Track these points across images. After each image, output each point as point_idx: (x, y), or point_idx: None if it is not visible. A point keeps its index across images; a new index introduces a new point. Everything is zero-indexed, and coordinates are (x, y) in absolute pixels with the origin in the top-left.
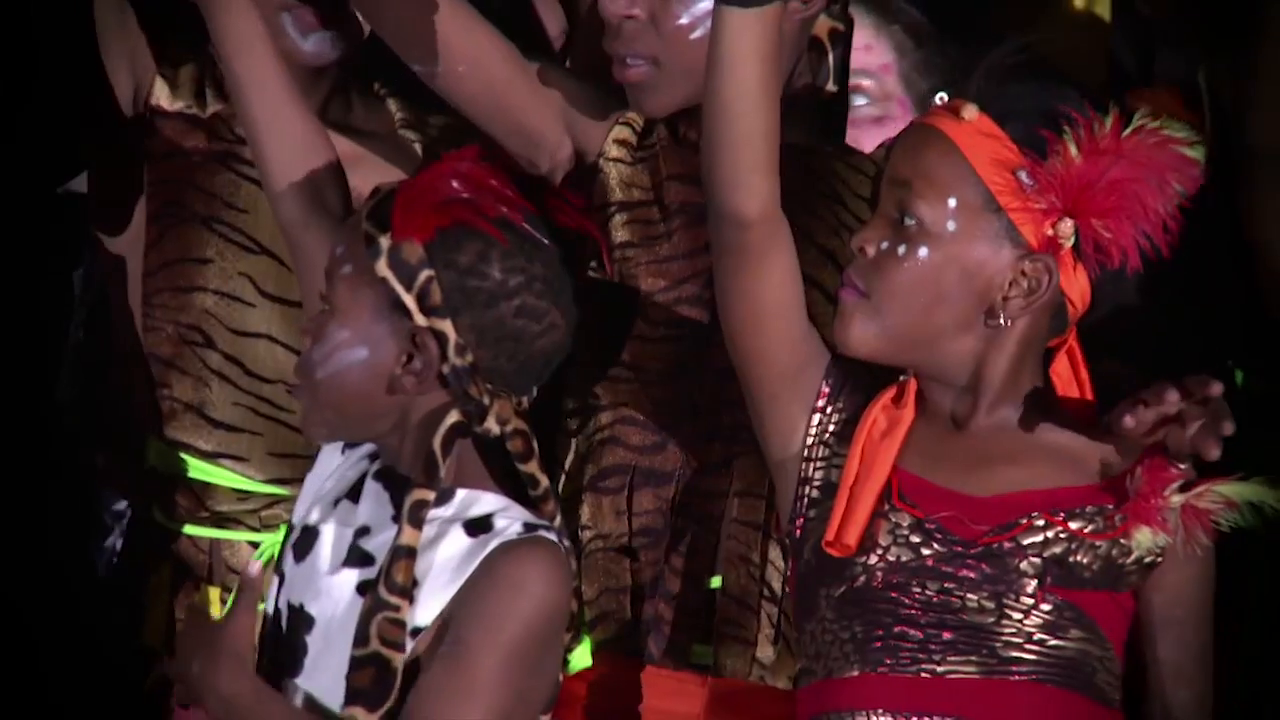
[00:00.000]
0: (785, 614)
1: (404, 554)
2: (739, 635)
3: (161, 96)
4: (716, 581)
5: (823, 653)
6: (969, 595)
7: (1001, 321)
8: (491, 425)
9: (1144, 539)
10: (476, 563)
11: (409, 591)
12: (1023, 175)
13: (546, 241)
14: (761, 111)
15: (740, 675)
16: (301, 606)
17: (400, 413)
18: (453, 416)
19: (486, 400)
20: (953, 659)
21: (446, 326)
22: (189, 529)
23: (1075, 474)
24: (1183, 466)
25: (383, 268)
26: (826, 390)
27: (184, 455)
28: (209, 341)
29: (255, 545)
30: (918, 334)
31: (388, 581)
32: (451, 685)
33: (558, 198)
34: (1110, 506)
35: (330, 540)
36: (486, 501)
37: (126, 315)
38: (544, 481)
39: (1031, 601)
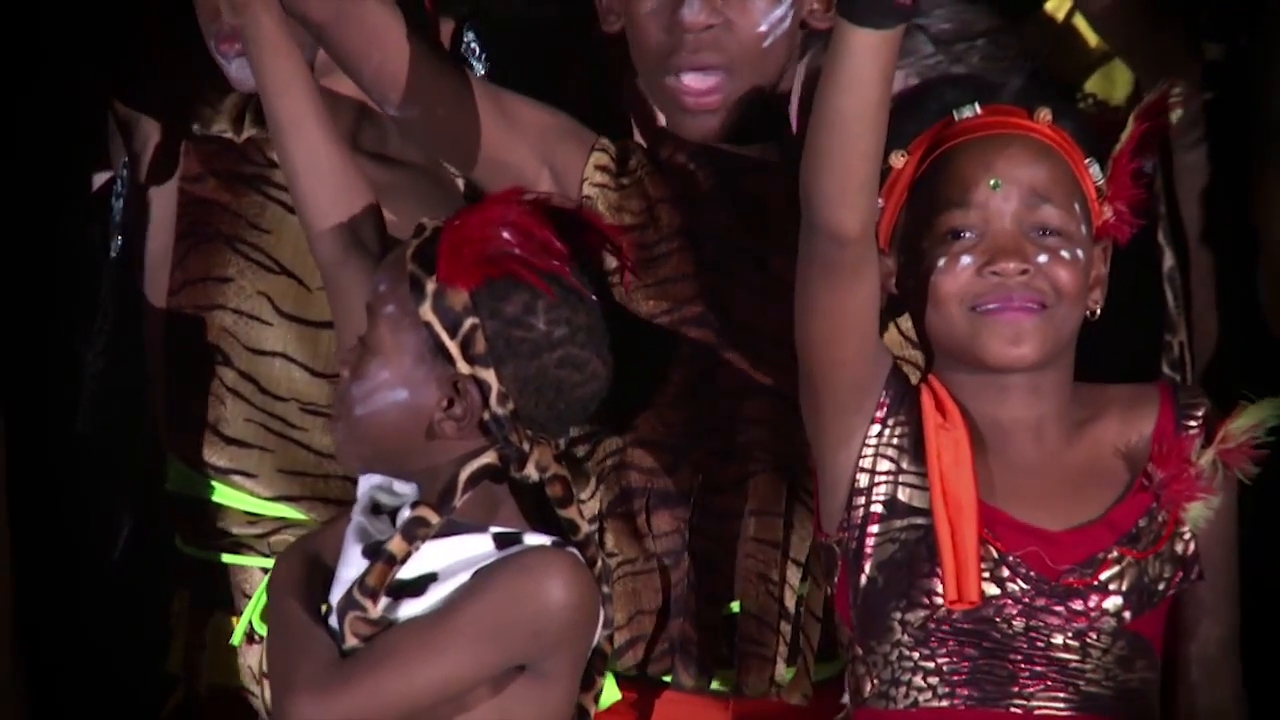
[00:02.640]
0: (802, 633)
1: (385, 558)
2: (759, 653)
3: (197, 121)
4: (735, 606)
5: (902, 680)
6: (1054, 634)
7: (1093, 314)
8: (531, 471)
9: (1197, 513)
10: (494, 559)
11: (378, 594)
12: (1095, 170)
13: (592, 292)
14: (878, 131)
15: (760, 694)
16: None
17: (438, 453)
18: (488, 457)
19: (527, 447)
20: (1042, 695)
21: (489, 375)
22: (203, 554)
23: (1117, 478)
24: (1193, 422)
25: (427, 312)
26: (886, 401)
27: (198, 474)
28: (226, 359)
29: (266, 571)
30: (1070, 338)
31: (361, 583)
32: (420, 630)
33: (583, 221)
34: (1154, 505)
35: (360, 537)
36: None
37: (154, 334)
38: (585, 527)
39: (1112, 639)
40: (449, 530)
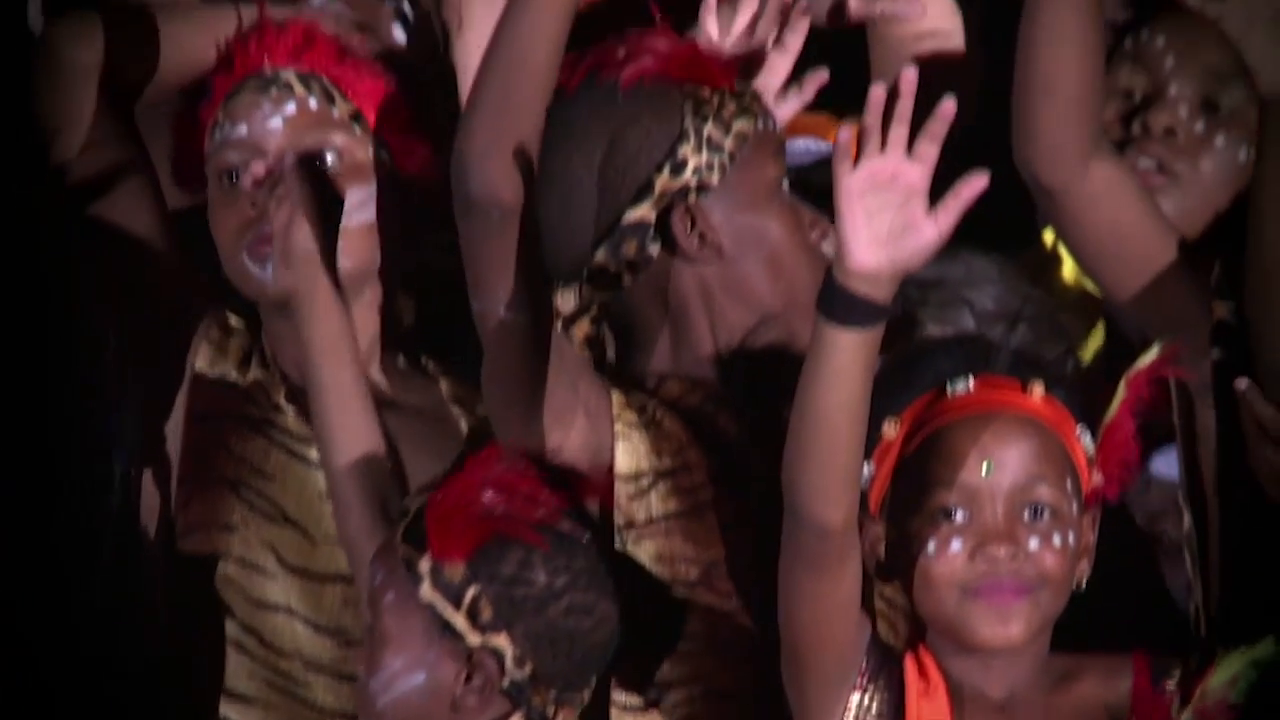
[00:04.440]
0: None
1: None
2: None
3: (203, 361)
4: None
5: None
6: None
7: (1079, 585)
8: None
9: None
10: None
11: None
12: (1087, 439)
13: (586, 533)
14: (860, 423)
15: None
16: None
17: None
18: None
19: (551, 710)
20: None
21: (502, 641)
22: None
23: None
24: (1170, 683)
25: (427, 592)
26: (866, 668)
27: None
28: (229, 610)
29: None
30: (1057, 614)
31: None
32: None
33: (579, 476)
34: None
35: None
36: None
37: (157, 582)
38: None
39: None
40: None
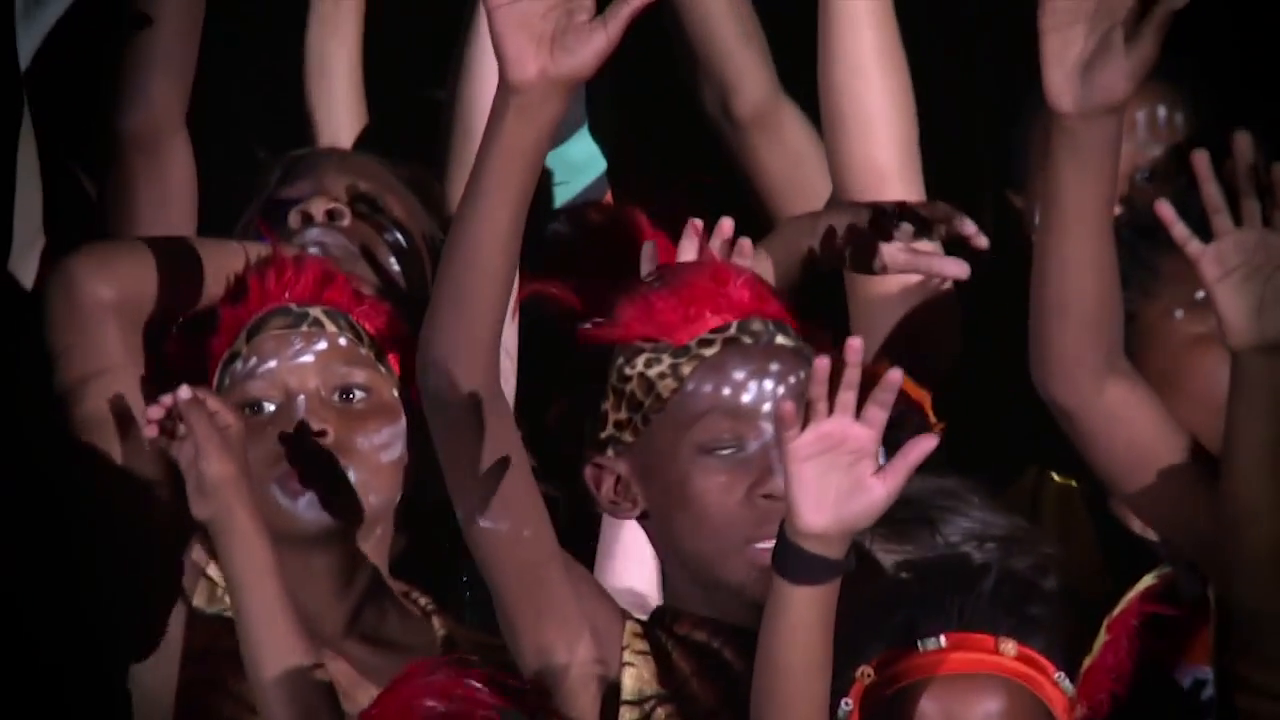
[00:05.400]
0: None
1: None
2: None
3: (200, 599)
4: None
5: None
6: None
7: None
8: None
9: None
10: None
11: None
12: (1066, 684)
13: None
14: (821, 671)
15: None
16: None
17: None
18: None
19: None
20: None
21: None
22: None
23: None
24: None
25: None
26: None
27: None
28: None
29: None
30: None
31: None
32: None
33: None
34: None
35: None
36: None
37: None
38: None
39: None
40: None
